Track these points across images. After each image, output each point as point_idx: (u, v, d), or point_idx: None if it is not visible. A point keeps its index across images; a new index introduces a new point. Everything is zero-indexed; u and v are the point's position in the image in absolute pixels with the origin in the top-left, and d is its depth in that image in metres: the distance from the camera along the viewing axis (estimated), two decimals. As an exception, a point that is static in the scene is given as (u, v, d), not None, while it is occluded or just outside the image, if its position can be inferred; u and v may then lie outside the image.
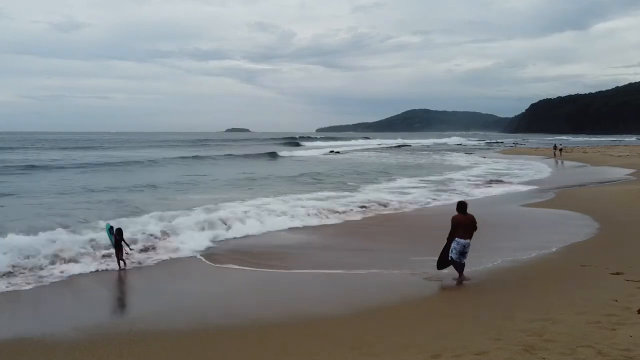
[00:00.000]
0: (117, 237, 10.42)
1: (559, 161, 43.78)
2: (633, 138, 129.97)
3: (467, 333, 6.45)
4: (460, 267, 9.03)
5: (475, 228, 9.09)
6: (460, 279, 8.97)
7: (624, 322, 6.44)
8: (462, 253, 8.96)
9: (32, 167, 34.13)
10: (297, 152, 59.70)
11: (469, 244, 8.97)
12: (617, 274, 8.84)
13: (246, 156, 50.61)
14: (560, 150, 51.51)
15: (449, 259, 9.02)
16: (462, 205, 9.18)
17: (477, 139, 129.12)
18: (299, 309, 7.91)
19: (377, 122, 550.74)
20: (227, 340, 6.65)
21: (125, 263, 10.44)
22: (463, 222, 8.99)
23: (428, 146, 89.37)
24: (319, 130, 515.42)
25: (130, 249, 10.76)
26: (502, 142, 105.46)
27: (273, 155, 53.29)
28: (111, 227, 10.69)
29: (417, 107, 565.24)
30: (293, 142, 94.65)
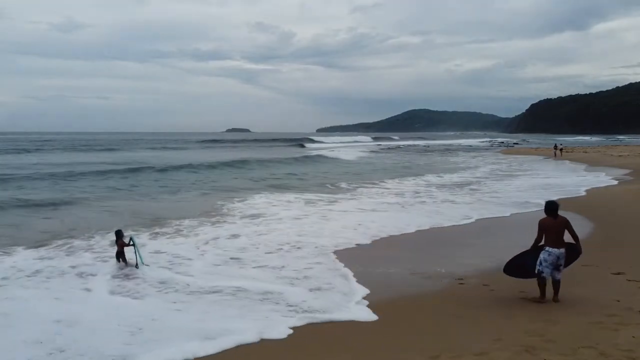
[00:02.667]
0: (118, 240, 9.97)
1: (559, 161, 43.72)
2: (633, 138, 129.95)
3: (466, 333, 6.37)
4: (543, 283, 7.56)
5: (575, 236, 7.54)
6: (541, 298, 7.53)
7: (627, 322, 6.37)
8: (556, 266, 7.46)
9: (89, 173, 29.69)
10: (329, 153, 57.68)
11: (563, 255, 7.45)
12: (619, 273, 8.75)
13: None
14: (561, 150, 51.50)
15: (536, 271, 7.57)
16: (551, 206, 7.61)
17: (488, 139, 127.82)
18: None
19: (378, 122, 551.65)
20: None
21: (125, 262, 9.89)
22: (553, 227, 7.47)
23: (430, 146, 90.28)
24: (319, 130, 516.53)
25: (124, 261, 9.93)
26: (503, 142, 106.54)
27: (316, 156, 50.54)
28: (130, 238, 10.02)
29: (417, 107, 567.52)
30: (311, 142, 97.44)
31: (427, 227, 13.74)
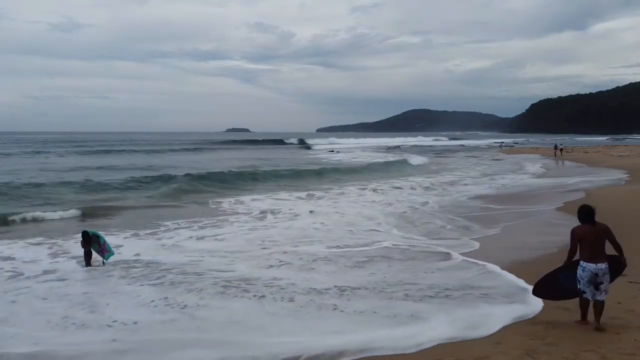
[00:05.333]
0: (85, 241, 10.01)
1: (560, 161, 43.68)
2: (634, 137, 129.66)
3: (468, 339, 6.29)
4: (586, 304, 6.35)
5: (617, 247, 6.32)
6: (583, 321, 6.40)
7: (628, 325, 6.30)
8: (595, 284, 6.15)
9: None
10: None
11: (604, 270, 6.13)
12: (620, 275, 8.65)
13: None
14: (561, 150, 51.51)
15: (578, 291, 6.36)
16: (586, 212, 6.27)
17: (508, 140, 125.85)
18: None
19: (377, 122, 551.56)
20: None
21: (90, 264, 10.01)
22: (589, 237, 6.16)
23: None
24: (319, 130, 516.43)
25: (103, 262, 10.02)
26: (502, 142, 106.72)
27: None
28: (93, 235, 10.21)
29: (417, 107, 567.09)
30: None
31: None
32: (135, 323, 6.91)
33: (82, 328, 6.81)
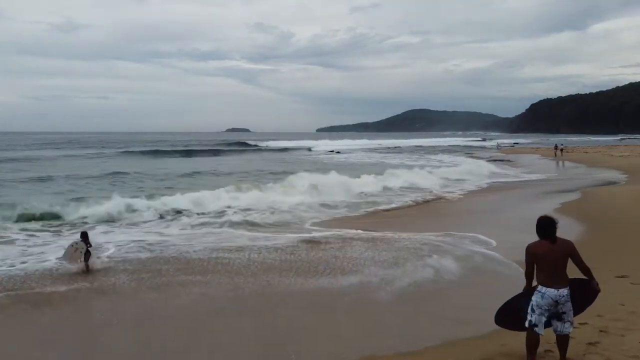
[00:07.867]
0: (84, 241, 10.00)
1: (560, 161, 43.70)
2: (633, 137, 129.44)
3: (471, 339, 6.31)
4: (534, 340, 5.18)
5: (585, 269, 5.21)
6: None
7: (632, 327, 6.27)
8: (556, 315, 5.13)
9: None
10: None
11: (565, 297, 5.06)
12: (622, 277, 8.62)
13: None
14: (561, 150, 51.52)
15: (526, 324, 5.20)
16: (546, 225, 5.13)
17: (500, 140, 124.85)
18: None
19: (377, 122, 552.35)
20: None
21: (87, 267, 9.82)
22: (549, 257, 5.07)
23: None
24: (319, 130, 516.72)
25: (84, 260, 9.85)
26: (497, 143, 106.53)
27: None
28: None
29: (417, 107, 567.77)
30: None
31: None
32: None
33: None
